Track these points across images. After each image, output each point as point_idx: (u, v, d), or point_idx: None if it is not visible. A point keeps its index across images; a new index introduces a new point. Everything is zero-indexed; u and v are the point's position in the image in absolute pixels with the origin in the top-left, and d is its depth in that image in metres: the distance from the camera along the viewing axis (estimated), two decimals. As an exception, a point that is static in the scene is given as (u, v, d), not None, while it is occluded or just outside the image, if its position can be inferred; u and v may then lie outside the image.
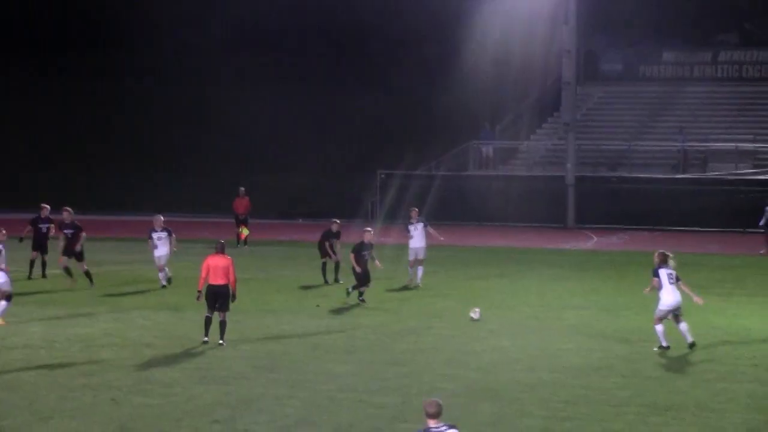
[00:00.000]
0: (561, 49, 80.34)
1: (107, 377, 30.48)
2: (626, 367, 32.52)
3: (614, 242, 68.94)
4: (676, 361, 33.27)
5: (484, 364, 32.81)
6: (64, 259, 47.53)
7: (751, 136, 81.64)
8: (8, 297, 37.94)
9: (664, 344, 34.45)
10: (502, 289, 48.12)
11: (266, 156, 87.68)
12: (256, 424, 26.09)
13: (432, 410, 18.03)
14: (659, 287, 34.54)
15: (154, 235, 47.22)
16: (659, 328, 34.55)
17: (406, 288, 47.99)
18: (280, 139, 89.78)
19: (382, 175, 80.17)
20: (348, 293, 43.76)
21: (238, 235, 62.89)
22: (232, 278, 35.29)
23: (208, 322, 35.25)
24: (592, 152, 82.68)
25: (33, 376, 30.94)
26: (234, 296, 35.61)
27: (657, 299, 34.64)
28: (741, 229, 67.69)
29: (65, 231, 47.96)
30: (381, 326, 39.04)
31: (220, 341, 34.99)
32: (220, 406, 27.73)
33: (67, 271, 47.41)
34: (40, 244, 49.19)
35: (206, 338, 35.09)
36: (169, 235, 47.33)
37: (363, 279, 43.69)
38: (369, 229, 45.07)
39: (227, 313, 35.34)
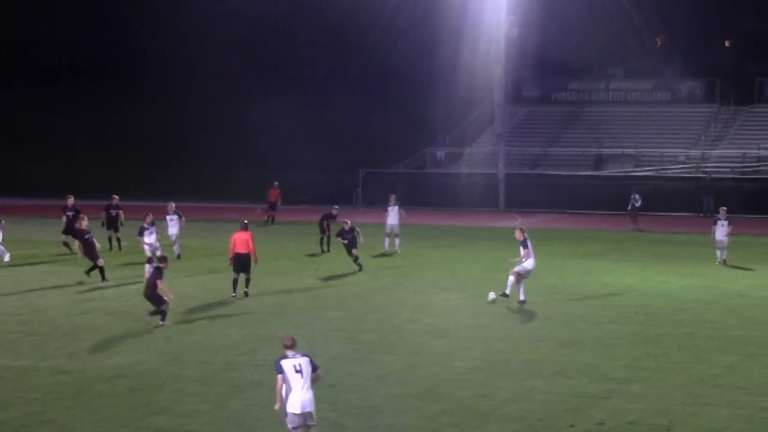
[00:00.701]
0: (494, 79, 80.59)
1: (168, 320, 30.41)
2: (542, 313, 32.57)
3: (534, 221, 68.98)
4: (580, 309, 33.31)
5: (438, 311, 32.88)
6: (111, 232, 47.98)
7: (634, 143, 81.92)
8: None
9: (508, 292, 33.79)
10: (452, 256, 48.11)
11: (283, 155, 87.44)
12: (271, 356, 26.07)
13: (288, 343, 17.75)
14: (528, 256, 33.87)
15: (167, 218, 45.61)
16: (513, 279, 33.79)
17: (382, 255, 48.00)
18: (289, 142, 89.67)
19: (364, 173, 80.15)
20: (361, 268, 42.00)
21: (269, 216, 62.76)
22: (252, 248, 35.31)
23: (235, 282, 35.24)
24: (517, 155, 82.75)
25: (106, 320, 30.94)
26: (256, 261, 35.67)
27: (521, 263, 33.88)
28: (624, 212, 67.58)
29: (111, 211, 47.92)
30: (363, 283, 39.07)
31: (245, 290, 35.14)
32: (244, 342, 27.76)
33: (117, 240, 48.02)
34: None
35: (234, 294, 35.05)
36: (179, 217, 45.70)
37: (347, 247, 42.70)
38: (347, 220, 43.63)
39: (250, 273, 35.41)
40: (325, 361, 25.35)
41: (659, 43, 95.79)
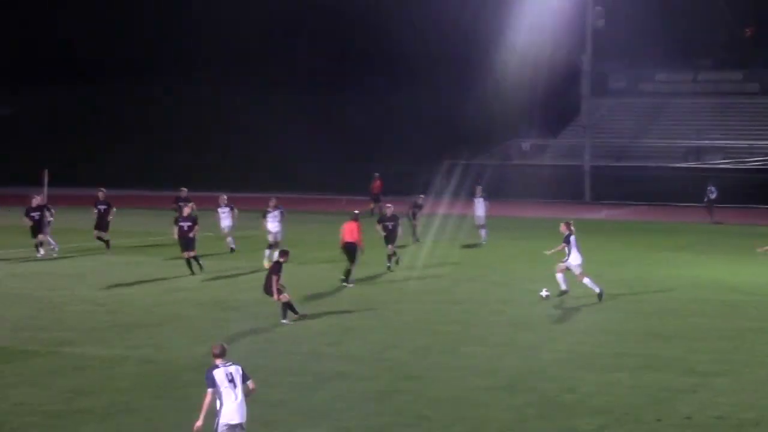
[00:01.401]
0: (580, 70, 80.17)
1: (249, 311, 30.59)
2: (629, 306, 32.30)
3: (620, 213, 68.47)
4: (667, 302, 32.97)
5: (524, 303, 32.70)
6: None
7: (722, 134, 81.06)
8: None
9: (564, 288, 33.12)
10: (537, 247, 47.68)
11: (372, 148, 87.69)
12: (355, 347, 26.14)
13: (218, 351, 16.54)
14: (568, 250, 33.01)
15: (219, 210, 45.00)
16: (561, 276, 33.17)
17: (468, 246, 47.92)
18: (383, 135, 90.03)
19: (449, 164, 79.95)
20: (391, 267, 40.10)
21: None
22: (357, 237, 35.94)
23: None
24: (603, 147, 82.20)
25: (193, 310, 31.15)
26: (362, 250, 36.31)
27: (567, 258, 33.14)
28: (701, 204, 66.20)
29: (180, 203, 46.35)
30: (448, 275, 38.98)
31: (341, 277, 35.71)
32: (329, 333, 27.80)
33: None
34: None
35: (347, 283, 35.70)
36: (231, 210, 44.97)
37: (386, 240, 40.30)
38: (389, 205, 41.90)
39: (354, 263, 35.94)
40: (408, 353, 25.42)
41: (749, 34, 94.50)
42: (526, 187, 76.88)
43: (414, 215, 48.98)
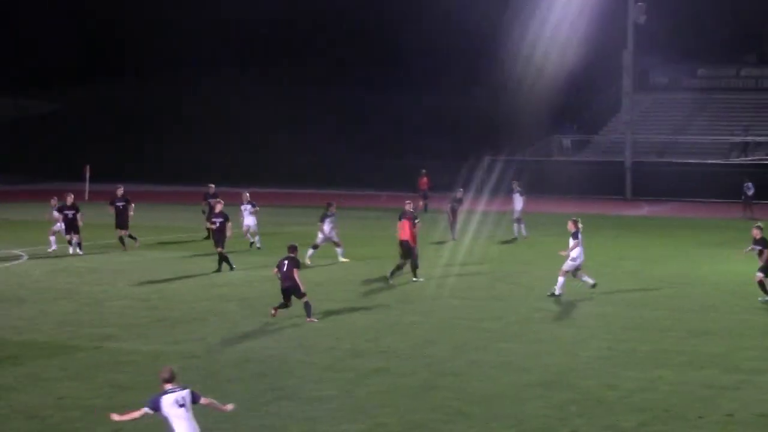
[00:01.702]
0: (621, 65, 79.85)
1: (295, 307, 30.61)
2: (671, 303, 32.15)
3: (661, 210, 68.17)
4: (710, 298, 32.81)
5: (565, 299, 32.59)
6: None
7: (767, 131, 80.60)
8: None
9: (592, 281, 33.04)
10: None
11: (418, 145, 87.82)
12: (394, 343, 26.16)
13: (166, 375, 15.84)
14: (576, 247, 32.85)
15: (242, 207, 44.54)
16: (563, 280, 32.86)
17: (507, 241, 47.96)
18: (415, 130, 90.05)
19: (489, 160, 79.81)
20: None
21: (423, 204, 62.43)
22: (408, 234, 35.81)
23: (399, 267, 35.77)
24: (644, 143, 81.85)
25: (234, 306, 31.25)
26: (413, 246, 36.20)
27: (569, 256, 32.96)
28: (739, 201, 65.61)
29: (209, 200, 46.23)
30: (488, 271, 38.94)
31: (414, 277, 35.81)
32: (370, 329, 27.84)
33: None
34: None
35: (389, 278, 35.63)
36: (253, 207, 44.63)
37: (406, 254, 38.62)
38: (409, 201, 39.59)
39: (407, 258, 35.86)
40: (448, 349, 25.41)
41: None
42: (567, 183, 76.63)
43: (453, 210, 48.94)
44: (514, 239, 48.61)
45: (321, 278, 36.34)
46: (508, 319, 29.31)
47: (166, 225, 54.24)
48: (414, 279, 35.78)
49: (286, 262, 28.68)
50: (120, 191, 45.52)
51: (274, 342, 26.24)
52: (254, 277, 36.74)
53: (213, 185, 48.71)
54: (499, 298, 32.80)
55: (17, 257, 42.14)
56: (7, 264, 40.29)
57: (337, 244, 40.85)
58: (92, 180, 65.81)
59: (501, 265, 40.55)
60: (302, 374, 22.95)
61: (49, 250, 43.16)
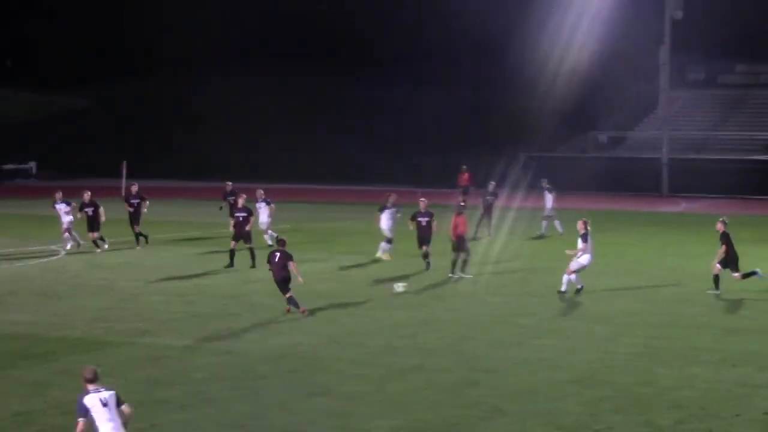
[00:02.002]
0: (658, 62, 79.55)
1: (325, 303, 30.66)
2: (707, 300, 32.02)
3: (698, 206, 67.86)
4: (745, 295, 32.64)
5: (598, 297, 32.51)
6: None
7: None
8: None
9: (564, 289, 32.53)
10: (614, 240, 47.46)
11: (451, 141, 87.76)
12: (430, 339, 26.17)
13: (89, 376, 15.54)
14: (586, 250, 32.59)
15: (256, 205, 43.83)
16: (573, 277, 32.69)
17: (539, 237, 47.98)
18: (460, 127, 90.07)
19: (525, 156, 79.68)
20: (428, 266, 37.83)
21: (464, 200, 62.39)
22: (461, 231, 35.95)
23: (453, 262, 35.96)
24: (681, 140, 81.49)
25: (269, 301, 31.17)
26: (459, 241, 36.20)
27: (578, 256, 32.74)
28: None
29: (228, 198, 46.32)
30: (522, 267, 38.87)
31: (460, 273, 35.86)
32: (405, 325, 27.84)
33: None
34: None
35: (451, 274, 35.84)
36: (267, 204, 44.33)
37: (419, 240, 38.43)
38: (423, 198, 40.17)
39: (459, 254, 35.98)
40: (484, 346, 25.39)
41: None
42: (603, 179, 76.40)
43: (489, 205, 48.90)
44: (542, 236, 48.63)
45: (356, 275, 36.35)
46: (542, 316, 29.27)
47: (196, 221, 54.46)
48: (460, 275, 35.79)
49: (278, 254, 29.15)
50: (134, 188, 45.35)
51: (308, 338, 26.27)
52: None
53: (230, 183, 48.73)
54: (534, 294, 32.75)
55: (54, 253, 42.41)
56: (44, 260, 40.57)
57: (389, 240, 40.67)
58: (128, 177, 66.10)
59: (536, 261, 40.47)
60: (336, 370, 22.98)
61: (68, 246, 43.06)
